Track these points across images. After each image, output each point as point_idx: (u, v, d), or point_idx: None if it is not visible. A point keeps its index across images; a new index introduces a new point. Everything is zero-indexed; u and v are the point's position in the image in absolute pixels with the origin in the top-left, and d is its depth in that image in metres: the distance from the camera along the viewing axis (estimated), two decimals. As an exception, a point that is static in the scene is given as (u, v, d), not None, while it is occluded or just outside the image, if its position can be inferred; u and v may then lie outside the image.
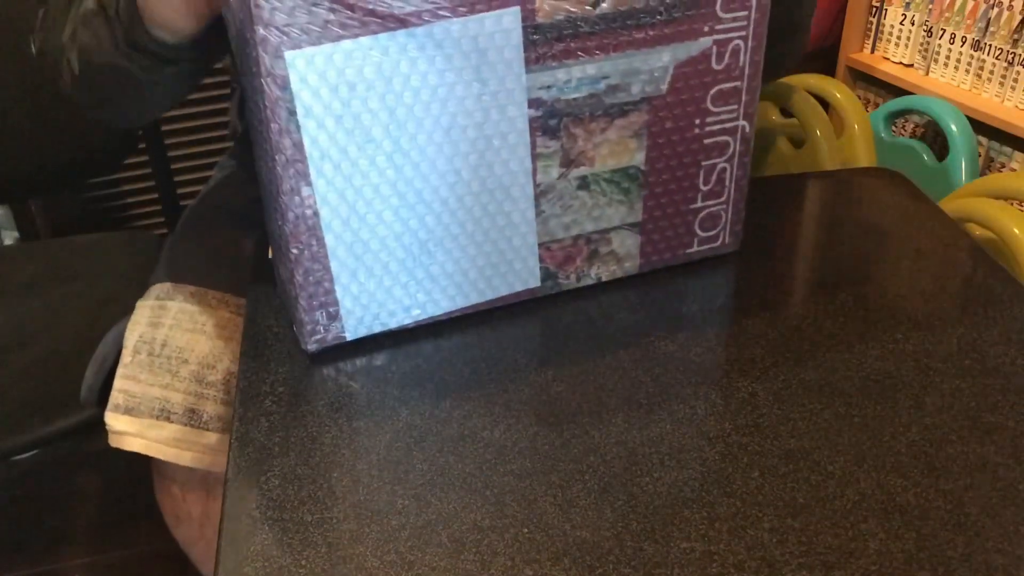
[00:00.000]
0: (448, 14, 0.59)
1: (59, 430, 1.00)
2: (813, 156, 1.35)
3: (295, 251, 0.63)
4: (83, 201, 1.79)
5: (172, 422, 0.86)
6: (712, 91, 0.69)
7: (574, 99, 0.66)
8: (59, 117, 1.24)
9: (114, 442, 0.87)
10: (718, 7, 0.66)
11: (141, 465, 0.90)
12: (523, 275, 0.71)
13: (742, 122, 0.72)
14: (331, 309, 0.66)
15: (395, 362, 0.68)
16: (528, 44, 0.62)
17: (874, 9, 1.81)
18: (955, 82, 1.68)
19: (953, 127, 1.46)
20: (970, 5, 1.62)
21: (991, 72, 1.61)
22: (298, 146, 0.60)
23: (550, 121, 0.66)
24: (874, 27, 1.81)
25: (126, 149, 1.37)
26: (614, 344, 0.69)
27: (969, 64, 1.65)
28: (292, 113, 0.59)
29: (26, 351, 1.10)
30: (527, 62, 0.63)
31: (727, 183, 0.74)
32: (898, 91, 1.75)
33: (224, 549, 0.53)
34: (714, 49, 0.67)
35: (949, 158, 1.47)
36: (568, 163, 0.68)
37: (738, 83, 0.70)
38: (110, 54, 0.70)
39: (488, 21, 0.60)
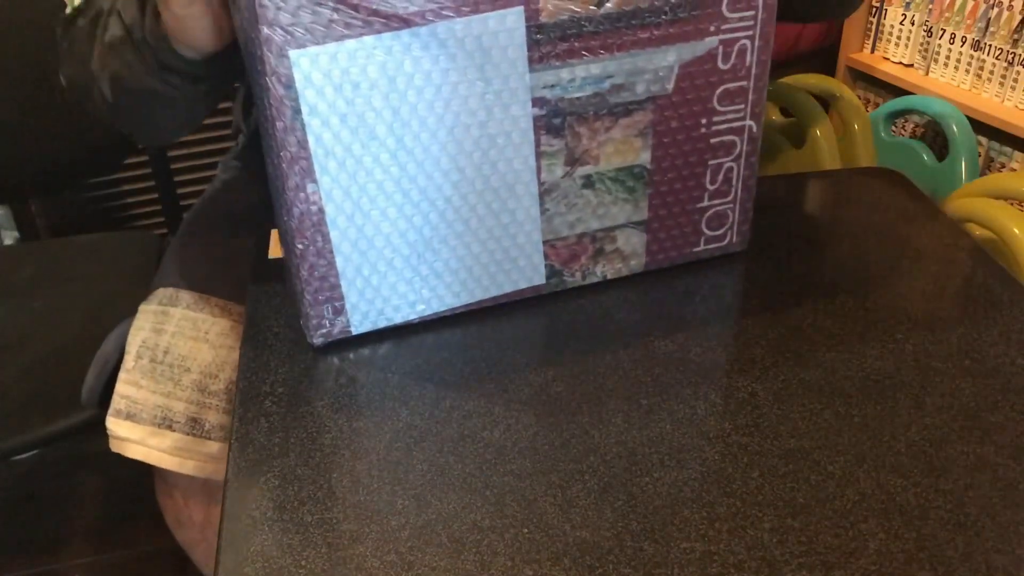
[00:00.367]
0: (452, 14, 0.59)
1: (59, 430, 1.00)
2: (813, 156, 1.35)
3: (300, 246, 0.64)
4: (83, 201, 1.79)
5: (174, 431, 0.86)
6: (719, 91, 0.69)
7: (578, 98, 0.66)
8: (59, 117, 1.24)
9: (115, 447, 0.87)
10: (724, 7, 0.66)
11: (141, 465, 0.90)
12: (528, 272, 0.71)
13: (749, 122, 0.71)
14: (337, 304, 0.67)
15: (395, 362, 0.68)
16: (532, 43, 0.62)
17: (874, 9, 1.81)
18: (955, 82, 1.68)
19: (953, 127, 1.46)
20: (970, 5, 1.62)
21: (991, 72, 1.61)
22: (303, 144, 0.60)
23: (554, 120, 0.66)
24: (874, 27, 1.81)
25: (126, 149, 1.37)
26: (614, 344, 0.69)
27: (969, 64, 1.65)
28: (297, 111, 0.59)
29: (26, 351, 1.11)
30: (531, 61, 0.63)
31: (734, 182, 0.74)
32: (898, 91, 1.75)
33: (224, 549, 0.53)
34: (720, 49, 0.67)
35: (949, 158, 1.47)
36: (572, 162, 0.68)
37: (745, 82, 0.69)
38: (142, 79, 0.70)
39: (492, 20, 0.60)
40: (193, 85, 0.71)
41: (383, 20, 0.58)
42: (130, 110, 0.75)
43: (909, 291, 0.74)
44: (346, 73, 0.59)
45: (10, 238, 1.71)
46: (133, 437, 0.86)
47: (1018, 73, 1.57)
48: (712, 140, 0.71)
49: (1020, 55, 1.56)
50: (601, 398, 0.64)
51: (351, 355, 0.68)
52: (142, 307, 0.92)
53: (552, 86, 0.64)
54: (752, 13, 0.67)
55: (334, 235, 0.64)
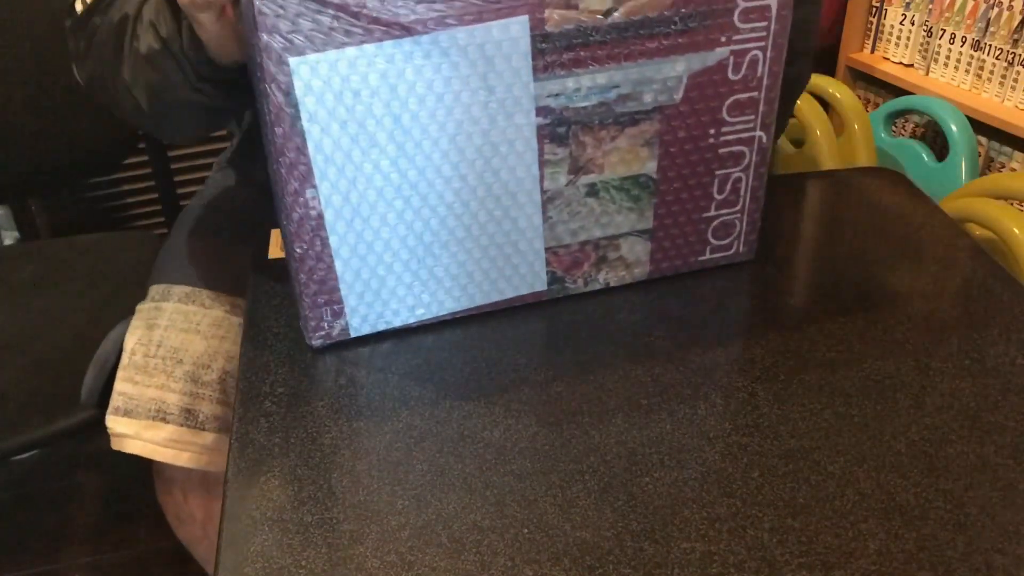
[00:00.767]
0: (455, 22, 0.59)
1: (59, 430, 1.00)
2: (813, 156, 1.35)
3: (299, 250, 0.64)
4: (83, 201, 1.79)
5: (168, 423, 0.86)
6: (728, 101, 0.68)
7: (583, 107, 0.65)
8: (59, 117, 1.24)
9: (115, 445, 0.88)
10: (736, 17, 0.65)
11: (141, 465, 0.90)
12: (529, 279, 0.71)
13: (759, 132, 0.70)
14: (336, 307, 0.67)
15: (396, 362, 0.68)
16: (536, 52, 0.62)
17: (874, 9, 1.81)
18: (955, 82, 1.68)
19: (953, 127, 1.46)
20: (970, 5, 1.62)
21: (991, 72, 1.61)
22: (302, 150, 0.60)
23: (558, 129, 0.65)
24: (874, 27, 1.81)
25: (126, 149, 1.37)
26: (614, 344, 0.69)
27: (969, 64, 1.65)
28: (296, 118, 0.59)
29: (26, 351, 1.10)
30: (535, 70, 0.62)
31: (742, 193, 0.73)
32: (898, 91, 1.75)
33: (224, 549, 0.53)
34: (731, 59, 0.66)
35: (949, 158, 1.47)
36: (576, 170, 0.68)
37: (755, 93, 0.68)
38: (180, 90, 0.71)
39: (495, 29, 0.60)
40: (227, 92, 0.72)
41: (384, 28, 0.58)
42: (163, 116, 0.76)
43: (909, 291, 0.74)
44: (346, 81, 0.59)
45: (10, 238, 1.71)
46: (130, 432, 0.87)
47: (1018, 73, 1.57)
48: (720, 150, 0.70)
49: (1020, 55, 1.56)
50: (601, 398, 0.64)
51: (351, 355, 0.68)
52: (138, 307, 0.93)
53: (557, 95, 0.64)
54: (765, 24, 0.66)
55: (333, 240, 0.64)
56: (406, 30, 0.58)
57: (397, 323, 0.70)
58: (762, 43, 0.66)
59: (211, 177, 1.07)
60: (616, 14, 0.62)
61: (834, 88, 1.43)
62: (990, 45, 1.60)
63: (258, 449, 0.60)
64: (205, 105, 0.73)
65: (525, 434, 0.61)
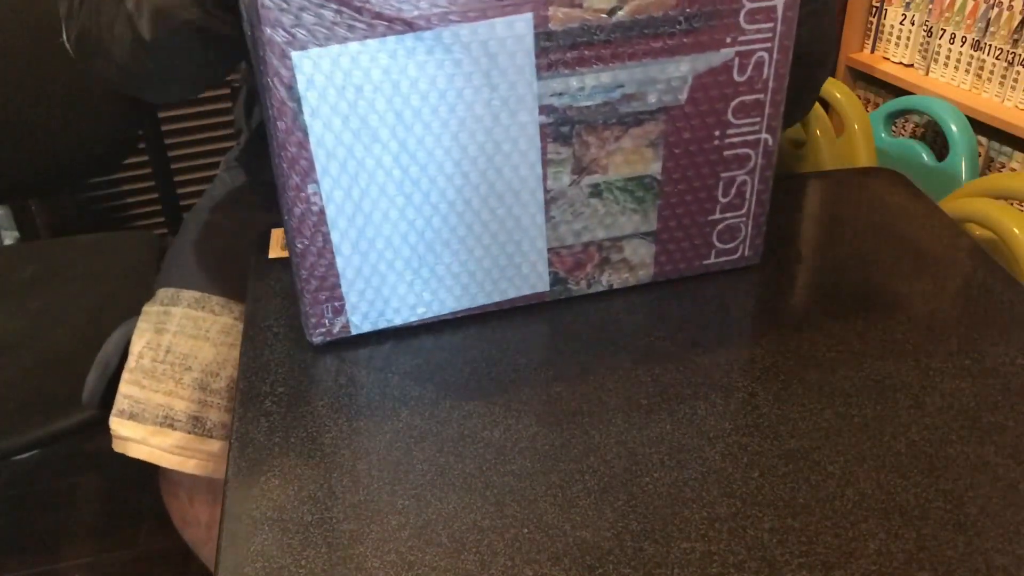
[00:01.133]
0: (458, 19, 0.59)
1: (59, 430, 1.00)
2: (813, 156, 1.35)
3: (300, 246, 0.64)
4: (83, 201, 1.79)
5: (176, 429, 0.86)
6: (733, 103, 0.68)
7: (587, 107, 0.65)
8: (59, 117, 1.24)
9: (118, 447, 0.88)
10: (741, 18, 0.64)
11: (142, 465, 0.90)
12: (531, 279, 0.71)
13: (765, 135, 0.70)
14: (337, 304, 0.67)
15: (396, 362, 0.68)
16: (540, 51, 0.61)
17: (874, 9, 1.81)
18: (955, 82, 1.68)
19: (953, 127, 1.46)
20: (970, 5, 1.62)
21: (991, 72, 1.61)
22: (303, 145, 0.60)
23: (562, 128, 0.65)
24: (874, 27, 1.81)
25: (126, 149, 1.37)
26: (614, 344, 0.69)
27: (969, 64, 1.65)
28: (298, 113, 0.59)
29: (26, 351, 1.11)
30: (539, 68, 0.62)
31: (747, 196, 0.72)
32: (898, 91, 1.75)
33: (224, 549, 0.54)
34: (737, 60, 0.66)
35: (949, 158, 1.47)
36: (580, 170, 0.67)
37: (761, 95, 0.68)
38: (187, 9, 0.67)
39: (499, 27, 0.60)
40: (235, 19, 0.68)
41: (387, 23, 0.58)
42: (163, 54, 0.72)
43: (909, 291, 0.74)
44: (349, 76, 0.59)
45: (10, 238, 1.71)
46: (136, 437, 0.87)
47: (1018, 73, 1.57)
48: (726, 152, 0.70)
49: (1020, 55, 1.56)
50: (601, 398, 0.64)
51: (351, 355, 0.68)
52: (145, 308, 0.92)
53: (560, 94, 0.64)
54: (771, 25, 0.65)
55: (334, 236, 0.64)
56: (409, 26, 0.58)
57: (398, 321, 0.70)
58: (768, 44, 0.66)
59: (219, 176, 1.07)
60: (620, 13, 0.62)
61: (834, 88, 1.43)
62: (990, 45, 1.60)
63: (258, 449, 0.60)
64: (210, 32, 0.69)
65: (525, 434, 0.61)
